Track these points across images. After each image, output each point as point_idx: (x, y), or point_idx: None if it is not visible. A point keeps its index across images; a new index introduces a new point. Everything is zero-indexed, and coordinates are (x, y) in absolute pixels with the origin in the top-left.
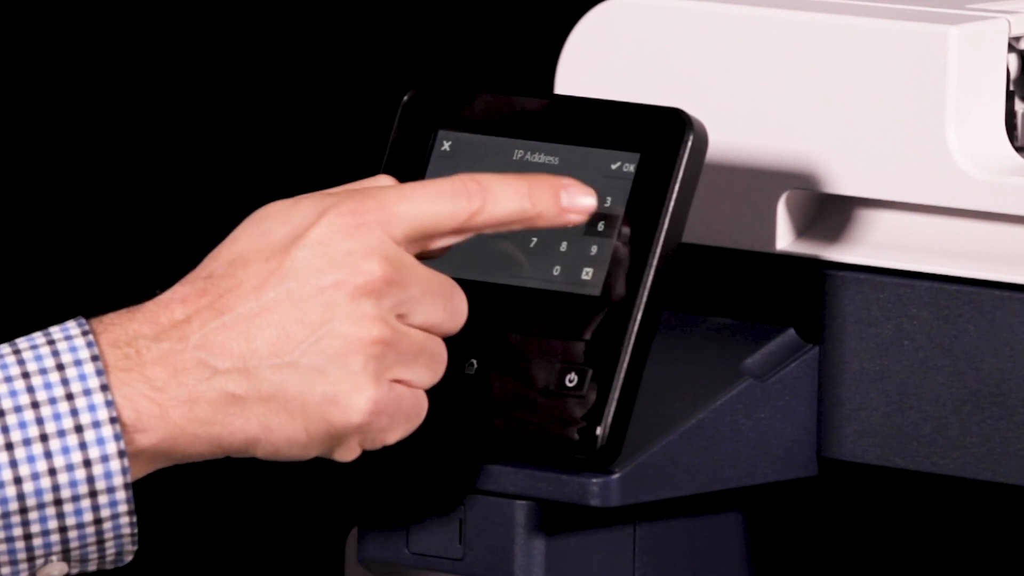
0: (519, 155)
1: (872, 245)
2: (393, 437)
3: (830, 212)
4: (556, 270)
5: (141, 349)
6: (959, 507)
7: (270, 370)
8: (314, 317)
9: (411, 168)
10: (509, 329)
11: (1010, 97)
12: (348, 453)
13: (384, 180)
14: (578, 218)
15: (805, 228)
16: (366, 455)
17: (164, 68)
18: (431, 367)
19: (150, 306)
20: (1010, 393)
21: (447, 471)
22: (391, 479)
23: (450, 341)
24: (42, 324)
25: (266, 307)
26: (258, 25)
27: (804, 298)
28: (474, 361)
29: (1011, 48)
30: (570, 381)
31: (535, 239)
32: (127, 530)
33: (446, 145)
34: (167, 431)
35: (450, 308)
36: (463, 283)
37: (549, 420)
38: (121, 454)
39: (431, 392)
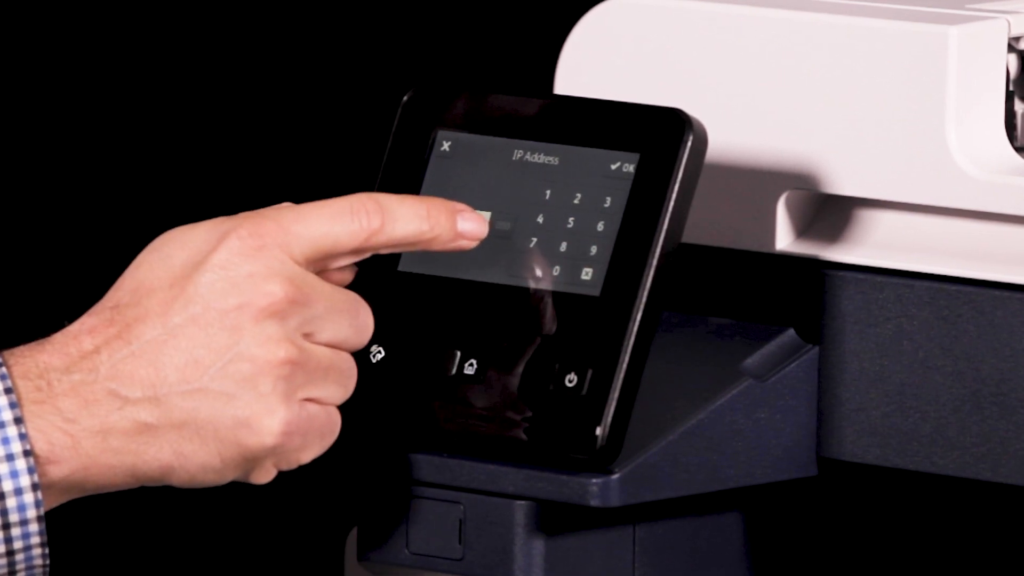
0: (519, 155)
1: (872, 245)
2: (308, 456)
3: (830, 212)
4: (556, 270)
5: (52, 381)
6: (959, 507)
7: (180, 397)
8: (220, 341)
9: (411, 168)
10: (509, 329)
11: (1010, 97)
12: (264, 475)
13: (285, 206)
14: (469, 244)
15: (805, 228)
16: (364, 452)
17: (164, 68)
18: (341, 383)
19: (59, 337)
20: (1010, 393)
21: (447, 471)
22: (391, 479)
23: (450, 341)
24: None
25: (172, 334)
26: (258, 25)
27: (804, 298)
28: (474, 361)
29: (1011, 48)
30: (570, 381)
31: (535, 239)
32: (39, 561)
33: (446, 145)
34: (80, 462)
35: (356, 324)
36: (463, 283)
37: (549, 420)
38: (35, 487)
39: (432, 392)
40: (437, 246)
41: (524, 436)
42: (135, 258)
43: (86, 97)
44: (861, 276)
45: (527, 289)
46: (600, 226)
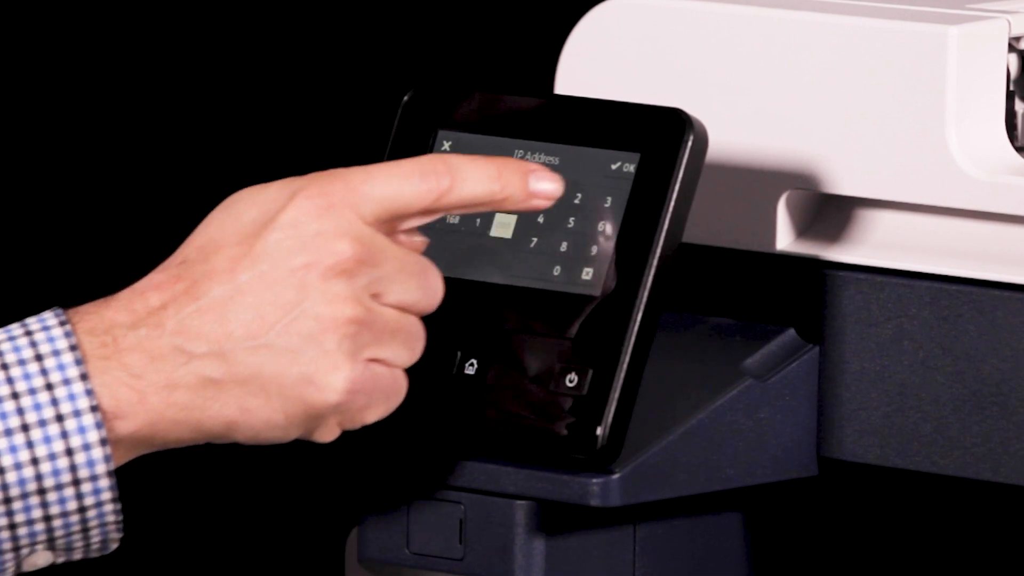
0: (519, 155)
1: (872, 245)
2: (372, 416)
3: (830, 212)
4: (556, 270)
5: (118, 337)
6: (959, 507)
7: (246, 352)
8: (287, 299)
9: None
10: (509, 329)
11: (1010, 97)
12: (327, 434)
13: (355, 167)
14: (543, 203)
15: (805, 228)
16: (363, 452)
17: (164, 68)
18: (408, 346)
19: (125, 294)
20: (1010, 393)
21: (447, 471)
22: (391, 479)
23: (450, 341)
24: (21, 317)
25: (240, 290)
26: (258, 25)
27: (804, 298)
28: (474, 361)
29: (1011, 48)
30: (570, 381)
31: (535, 239)
32: (111, 517)
33: (446, 145)
34: (147, 417)
35: (424, 287)
36: (463, 283)
37: (549, 420)
38: (103, 442)
39: (432, 392)
40: (509, 206)
41: (524, 436)
42: (206, 216)
43: (86, 97)
44: (861, 276)
45: (527, 289)
46: (600, 226)
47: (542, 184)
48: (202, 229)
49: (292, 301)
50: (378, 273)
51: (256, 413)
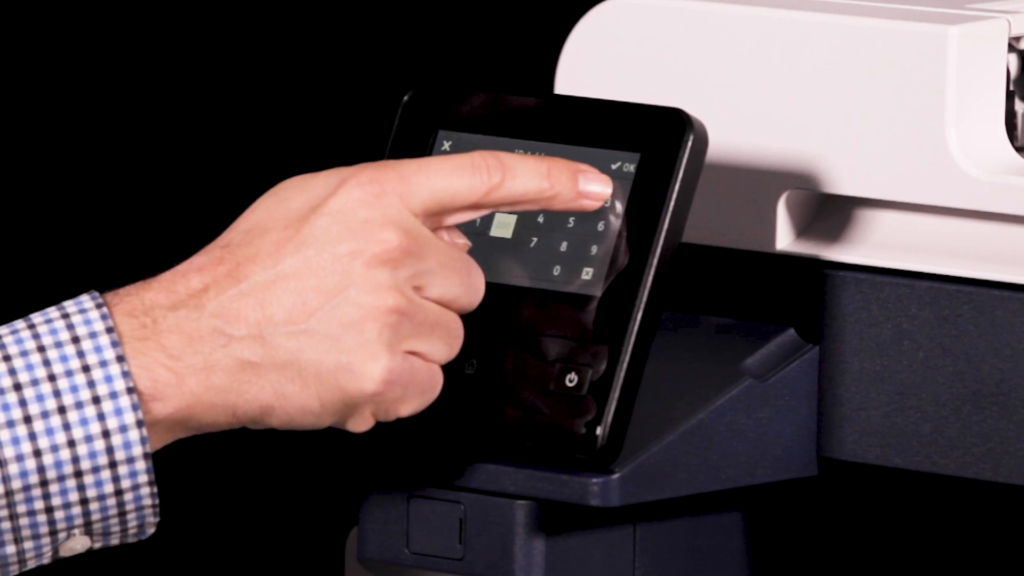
0: None
1: (872, 245)
2: (407, 409)
3: (830, 212)
4: (556, 270)
5: (157, 318)
6: (959, 507)
7: (285, 337)
8: (330, 285)
9: None
10: (509, 329)
11: (1010, 97)
12: (361, 423)
13: (406, 160)
14: (592, 204)
15: (805, 228)
16: (364, 451)
17: (164, 68)
18: (447, 341)
19: (167, 275)
20: (1010, 393)
21: (447, 471)
22: (391, 478)
23: None
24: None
25: (283, 275)
26: (258, 25)
27: (804, 298)
28: (474, 361)
29: (1011, 48)
30: (570, 381)
31: (535, 239)
32: (148, 501)
33: (446, 145)
34: (184, 400)
35: (467, 283)
36: None
37: (549, 420)
38: (139, 424)
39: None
40: (558, 205)
41: (524, 436)
42: (253, 202)
43: (86, 97)
44: (861, 276)
45: (527, 289)
46: (600, 226)
47: (592, 185)
48: (249, 214)
49: (335, 287)
50: (422, 266)
51: (292, 399)
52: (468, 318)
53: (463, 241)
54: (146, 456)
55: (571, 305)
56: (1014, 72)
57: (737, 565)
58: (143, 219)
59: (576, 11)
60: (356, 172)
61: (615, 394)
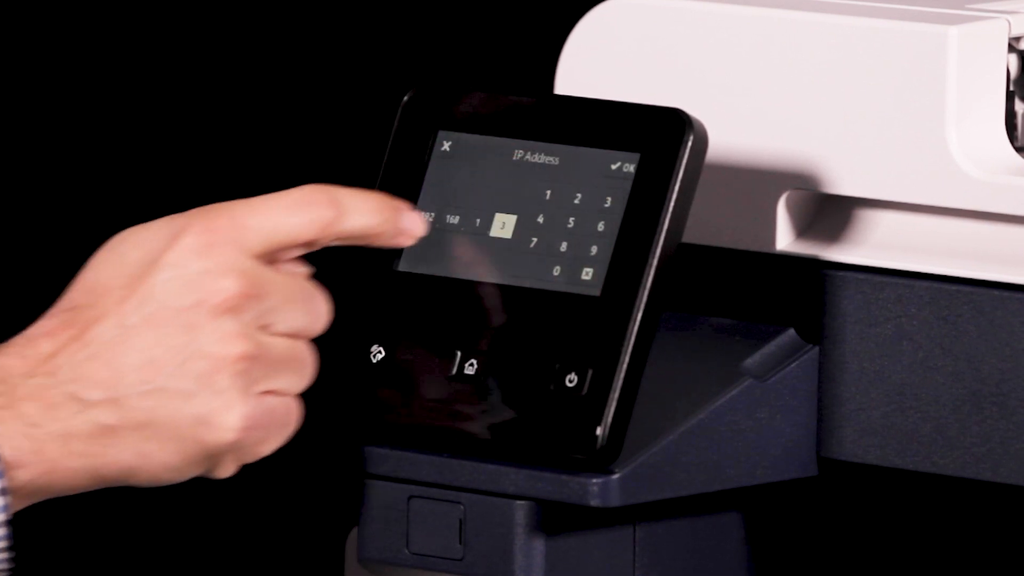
0: (519, 155)
1: (872, 245)
2: (268, 449)
3: (830, 212)
4: (556, 270)
5: (15, 385)
6: (959, 507)
7: (139, 397)
8: (176, 340)
9: (411, 168)
10: (509, 329)
11: (1010, 97)
12: (226, 471)
13: (238, 201)
14: (407, 242)
15: (805, 228)
16: (363, 451)
17: (164, 68)
18: (300, 372)
19: (19, 340)
20: (1010, 393)
21: (447, 471)
22: (391, 478)
23: (450, 341)
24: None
25: (128, 334)
26: (258, 25)
27: (804, 298)
28: (474, 361)
29: (1011, 48)
30: (570, 381)
31: (535, 239)
32: (3, 566)
33: (446, 145)
34: (44, 467)
35: (311, 311)
36: (463, 283)
37: (549, 420)
38: (3, 492)
39: (433, 392)
40: (380, 242)
41: (524, 436)
42: (89, 259)
43: (86, 97)
44: (861, 276)
45: (527, 289)
46: (600, 226)
47: (410, 223)
48: (86, 272)
49: (182, 343)
50: (265, 305)
51: (153, 457)
52: (468, 318)
53: (303, 269)
54: (7, 523)
55: (571, 305)
56: (1014, 72)
57: (737, 565)
58: (142, 219)
59: (576, 11)
60: (189, 222)
61: (615, 394)
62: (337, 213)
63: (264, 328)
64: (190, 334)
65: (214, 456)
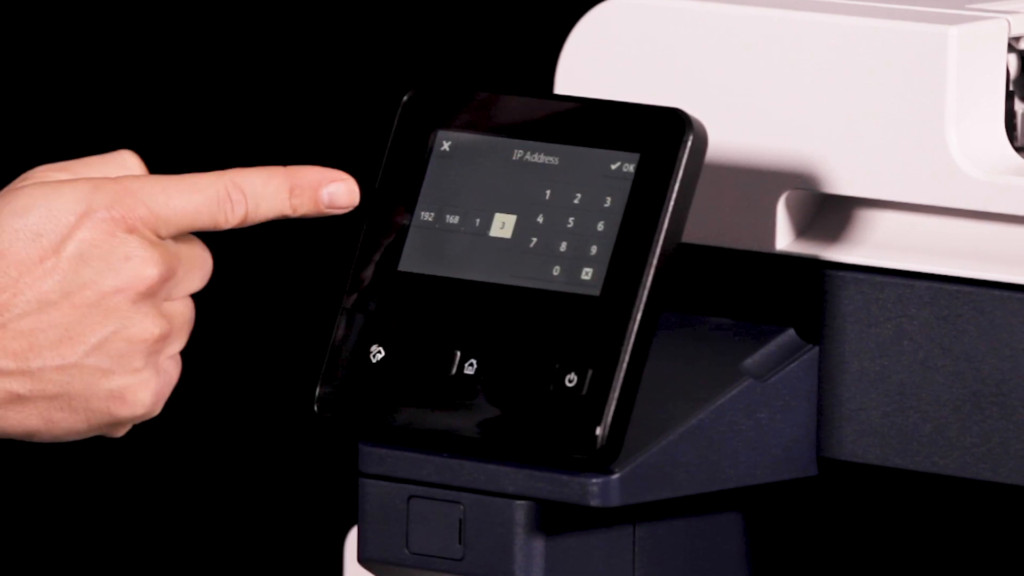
0: (519, 155)
1: (872, 245)
2: (158, 409)
3: (830, 212)
4: (556, 270)
5: None
6: (959, 507)
7: (54, 371)
8: (96, 320)
9: (411, 168)
10: (509, 329)
11: (1010, 97)
12: (122, 431)
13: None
14: (339, 211)
15: (805, 228)
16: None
17: (164, 68)
18: (188, 331)
19: None
20: (1010, 393)
21: (447, 471)
22: (391, 478)
23: (450, 341)
24: None
25: (48, 311)
26: (258, 25)
27: (804, 298)
28: (474, 361)
29: (1011, 48)
30: (570, 381)
31: (535, 239)
32: None
33: (446, 145)
34: None
35: (206, 273)
36: (463, 283)
37: (549, 420)
38: None
39: (432, 392)
40: (304, 215)
41: (524, 436)
42: None
43: (86, 97)
44: (861, 276)
45: (527, 289)
46: (600, 226)
47: (336, 196)
48: None
49: (101, 324)
50: (175, 282)
51: (60, 423)
52: (468, 318)
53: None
54: None
55: (571, 305)
56: (1014, 72)
57: (737, 565)
58: None
59: (576, 11)
60: (104, 204)
61: (615, 394)
62: (247, 209)
63: (167, 299)
64: (111, 317)
65: (119, 425)
